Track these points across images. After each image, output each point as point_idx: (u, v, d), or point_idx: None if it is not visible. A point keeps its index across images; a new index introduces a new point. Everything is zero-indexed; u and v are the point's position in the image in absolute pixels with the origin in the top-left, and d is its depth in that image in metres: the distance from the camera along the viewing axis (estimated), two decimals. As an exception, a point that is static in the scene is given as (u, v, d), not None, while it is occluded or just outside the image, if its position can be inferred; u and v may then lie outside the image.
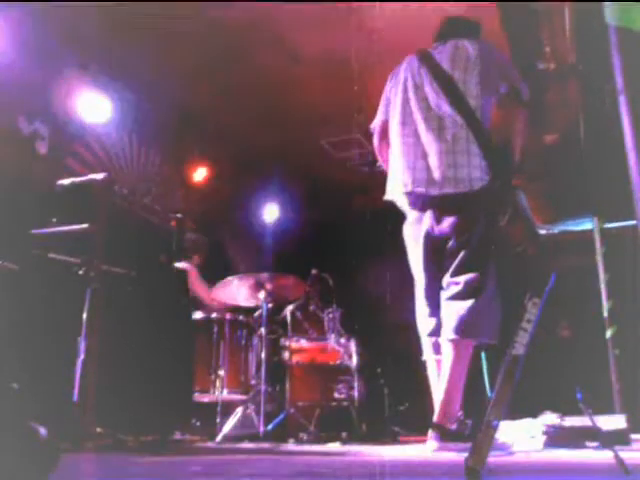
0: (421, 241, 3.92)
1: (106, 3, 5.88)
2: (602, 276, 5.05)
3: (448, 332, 3.72)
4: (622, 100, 3.58)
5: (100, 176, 4.10)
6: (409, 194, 3.92)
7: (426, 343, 3.97)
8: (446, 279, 3.82)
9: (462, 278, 3.75)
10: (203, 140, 8.30)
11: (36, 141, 6.15)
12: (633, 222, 3.53)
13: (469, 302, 3.69)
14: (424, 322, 3.98)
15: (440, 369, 3.82)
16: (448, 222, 3.81)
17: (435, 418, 3.69)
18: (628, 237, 4.50)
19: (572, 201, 5.33)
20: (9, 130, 5.93)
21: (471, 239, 3.76)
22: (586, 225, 5.32)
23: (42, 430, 1.67)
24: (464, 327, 3.67)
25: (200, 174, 8.82)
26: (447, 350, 3.73)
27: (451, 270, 3.80)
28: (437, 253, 3.88)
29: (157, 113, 7.60)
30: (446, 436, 3.56)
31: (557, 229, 5.45)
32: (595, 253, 5.13)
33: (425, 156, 3.85)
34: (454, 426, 3.63)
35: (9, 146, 5.82)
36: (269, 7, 6.24)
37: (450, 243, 3.81)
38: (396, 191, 4.01)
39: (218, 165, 8.82)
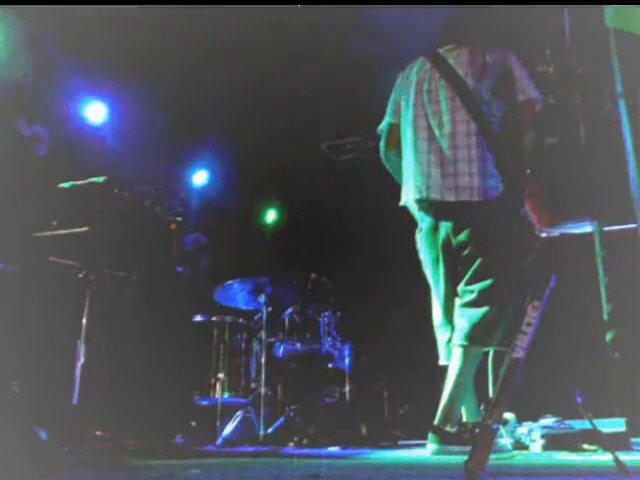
0: (440, 250, 3.91)
1: (106, 5, 5.89)
2: (602, 279, 5.04)
3: (459, 338, 3.72)
4: (622, 104, 3.59)
5: (100, 179, 4.11)
6: (423, 201, 3.91)
7: (444, 350, 3.95)
8: (461, 287, 3.82)
9: (476, 286, 3.74)
10: (203, 142, 8.29)
11: (36, 144, 6.15)
12: (633, 225, 3.53)
13: (482, 309, 3.69)
14: (442, 330, 3.96)
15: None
16: (464, 231, 3.79)
17: (436, 421, 3.69)
18: (628, 240, 4.50)
19: (572, 204, 5.33)
20: (9, 133, 5.93)
21: (486, 247, 3.75)
22: (586, 228, 5.31)
23: (42, 433, 1.67)
24: (474, 334, 3.68)
25: (200, 177, 8.82)
26: (456, 355, 3.73)
27: (466, 278, 3.79)
28: (454, 262, 3.88)
29: (157, 115, 7.60)
30: (446, 439, 3.56)
31: (557, 232, 5.45)
32: (595, 256, 5.13)
33: (440, 163, 3.82)
34: (454, 429, 3.63)
35: (9, 149, 5.82)
36: (269, 7, 6.24)
37: (465, 251, 3.80)
38: (410, 197, 3.99)
39: (218, 168, 8.81)
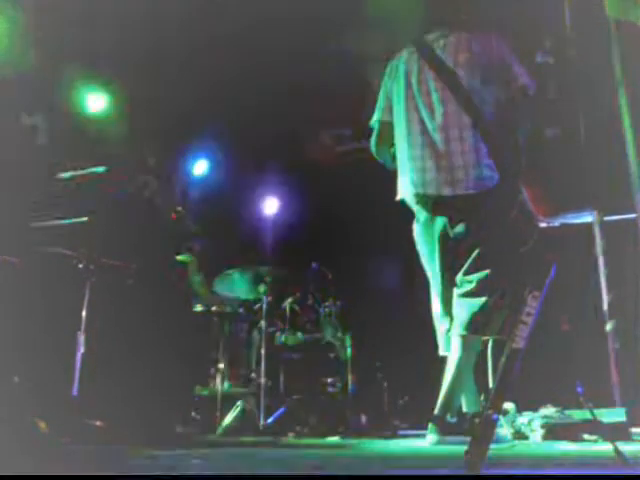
0: (436, 243, 3.92)
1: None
2: (602, 269, 5.04)
3: (459, 328, 3.74)
4: (621, 94, 3.58)
5: (100, 169, 4.10)
6: (420, 195, 3.91)
7: (443, 340, 3.97)
8: (459, 277, 3.83)
9: (474, 276, 3.76)
10: (203, 133, 8.28)
11: (36, 134, 6.15)
12: (633, 215, 3.53)
13: (481, 299, 3.71)
14: (441, 320, 3.98)
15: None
16: (461, 222, 3.80)
17: (436, 411, 3.70)
18: (628, 230, 4.50)
19: (572, 194, 5.32)
20: (10, 123, 5.92)
21: (483, 238, 3.76)
22: (586, 218, 5.31)
23: (42, 423, 1.67)
24: (474, 324, 3.70)
25: (200, 167, 8.81)
26: (456, 345, 3.76)
27: (464, 269, 3.80)
28: (451, 253, 3.88)
29: (157, 106, 7.59)
30: (446, 429, 3.57)
31: (557, 222, 5.45)
32: (595, 246, 5.13)
33: (434, 156, 3.82)
34: (454, 419, 3.64)
35: (10, 139, 5.81)
36: (270, 5, 6.23)
37: (463, 242, 3.81)
38: (406, 191, 3.99)
39: (218, 158, 8.80)
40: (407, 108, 3.99)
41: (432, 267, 4.01)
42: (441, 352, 3.99)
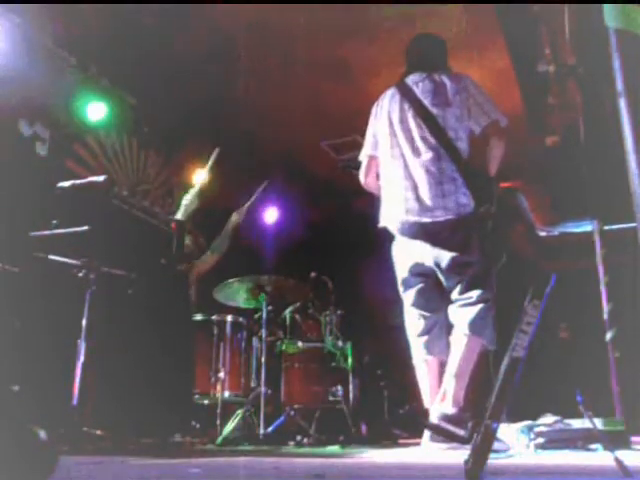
0: (412, 261, 4.22)
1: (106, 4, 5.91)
2: (602, 278, 5.05)
3: (463, 328, 3.97)
4: (622, 102, 3.58)
5: (100, 178, 4.10)
6: (403, 222, 4.16)
7: (415, 345, 4.23)
8: (455, 295, 4.07)
9: (473, 293, 4.00)
10: (203, 142, 8.29)
11: (36, 143, 6.15)
12: (633, 224, 3.52)
13: (481, 305, 3.97)
14: (414, 324, 4.26)
15: (430, 370, 4.12)
16: (441, 246, 4.07)
17: (437, 404, 3.92)
18: (628, 239, 4.50)
19: (572, 203, 5.34)
20: (10, 132, 5.93)
21: (470, 259, 4.02)
22: (586, 227, 5.32)
23: (41, 432, 1.67)
24: (476, 325, 3.95)
25: (200, 176, 8.80)
26: (459, 342, 3.98)
27: (460, 288, 4.04)
28: (426, 272, 4.20)
29: (157, 115, 7.60)
30: (443, 437, 3.64)
31: (557, 231, 5.46)
32: (595, 255, 5.13)
33: (415, 187, 4.11)
34: (455, 410, 3.82)
35: (9, 148, 5.82)
36: (272, 8, 6.24)
37: (450, 264, 4.04)
38: (389, 219, 4.27)
39: (218, 167, 8.80)
40: (391, 144, 4.32)
41: (407, 283, 4.32)
42: (414, 360, 4.25)
